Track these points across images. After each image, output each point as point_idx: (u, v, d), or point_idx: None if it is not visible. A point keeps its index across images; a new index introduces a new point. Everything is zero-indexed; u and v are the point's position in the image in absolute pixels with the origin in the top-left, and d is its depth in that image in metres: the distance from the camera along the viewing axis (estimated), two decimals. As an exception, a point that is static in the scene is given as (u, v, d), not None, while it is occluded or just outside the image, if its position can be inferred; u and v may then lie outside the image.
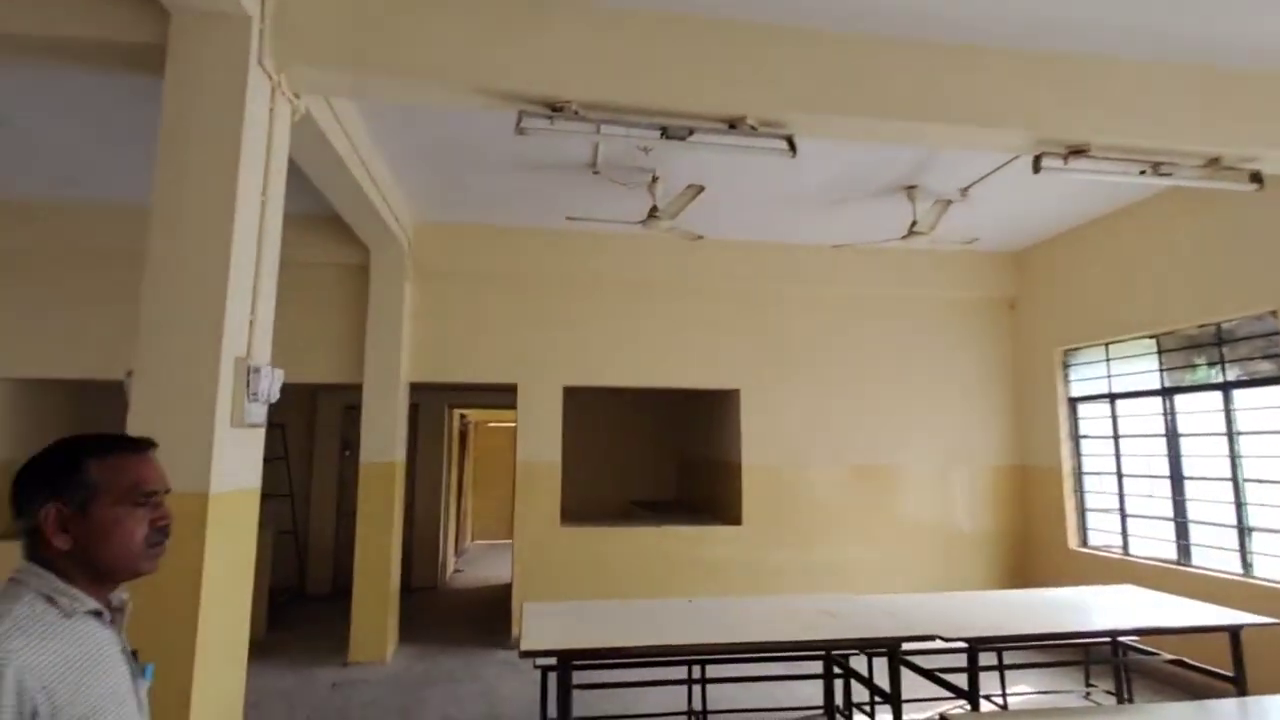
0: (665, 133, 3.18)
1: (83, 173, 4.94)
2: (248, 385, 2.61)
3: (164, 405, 2.52)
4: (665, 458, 8.85)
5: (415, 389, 6.29)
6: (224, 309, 2.58)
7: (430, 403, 8.57)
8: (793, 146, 3.27)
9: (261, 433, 2.88)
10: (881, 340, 6.74)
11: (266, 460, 7.26)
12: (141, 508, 1.17)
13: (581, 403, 7.96)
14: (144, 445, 1.24)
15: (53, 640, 1.07)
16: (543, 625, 3.44)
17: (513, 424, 12.31)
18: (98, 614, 1.15)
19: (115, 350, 5.36)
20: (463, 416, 11.00)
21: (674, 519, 6.70)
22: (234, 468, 2.65)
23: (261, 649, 5.72)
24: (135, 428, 2.51)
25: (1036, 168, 3.47)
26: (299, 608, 7.26)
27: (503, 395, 8.72)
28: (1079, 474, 6.33)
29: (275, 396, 2.80)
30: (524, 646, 3.03)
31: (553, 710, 3.98)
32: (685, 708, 4.38)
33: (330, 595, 7.71)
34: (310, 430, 8.28)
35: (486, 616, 6.94)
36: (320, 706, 4.59)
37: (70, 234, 5.50)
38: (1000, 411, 6.84)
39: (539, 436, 6.13)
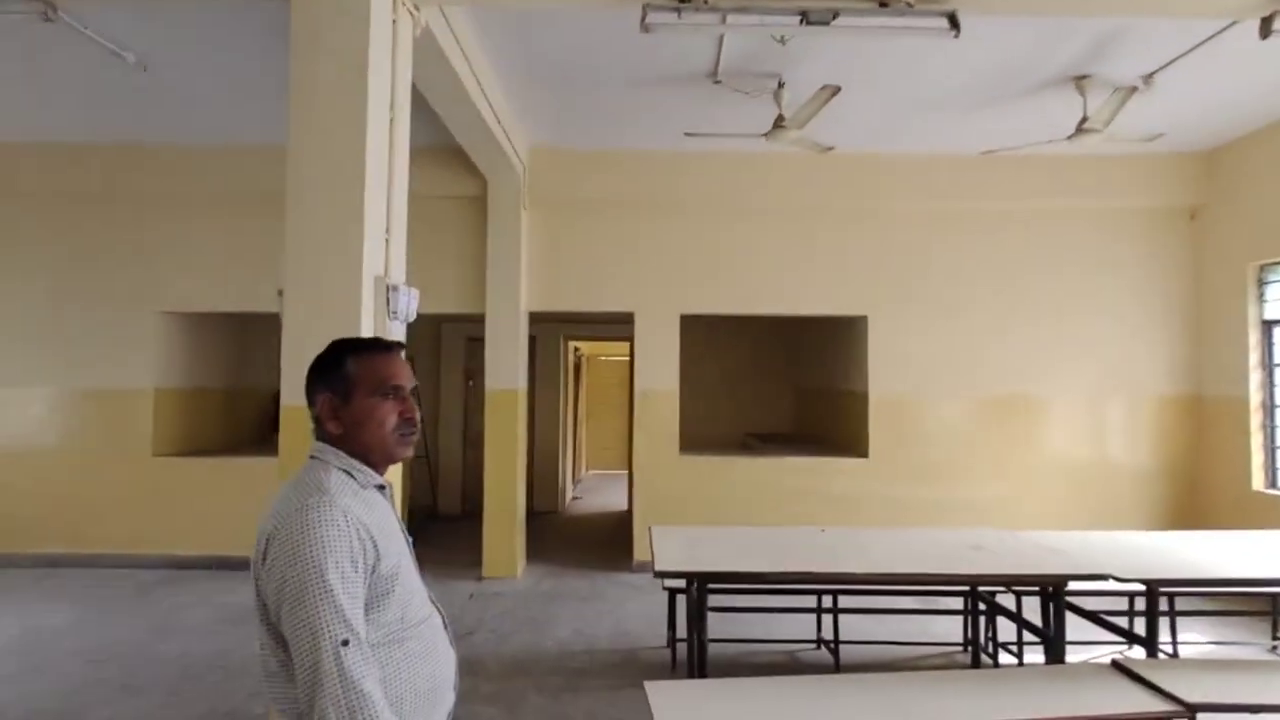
0: (805, 18, 2.85)
1: (228, 118, 5.17)
2: (388, 303, 2.63)
3: (311, 325, 2.58)
4: (782, 388, 8.59)
5: (532, 321, 6.36)
6: (362, 227, 2.58)
7: (547, 335, 8.70)
8: (955, 24, 2.84)
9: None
10: (1029, 259, 6.08)
11: (399, 388, 7.71)
12: (389, 400, 1.29)
13: (695, 332, 7.81)
14: (394, 346, 1.38)
15: (364, 505, 1.23)
16: (673, 548, 3.40)
17: (624, 357, 12.40)
18: (380, 488, 1.32)
19: (266, 285, 5.71)
20: (576, 350, 11.16)
21: (793, 450, 6.51)
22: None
23: (404, 561, 6.15)
24: (288, 347, 2.60)
25: (1265, 32, 2.85)
26: (433, 526, 7.75)
27: (617, 326, 8.71)
28: (1270, 406, 5.55)
29: (413, 315, 2.82)
30: (659, 567, 3.00)
31: (681, 631, 4.02)
32: (814, 636, 4.29)
33: (460, 516, 8.19)
34: (436, 361, 8.66)
35: (606, 542, 7.12)
36: (460, 614, 4.87)
37: (224, 177, 5.81)
38: (1171, 336, 6.06)
39: (656, 365, 6.05)
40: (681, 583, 3.46)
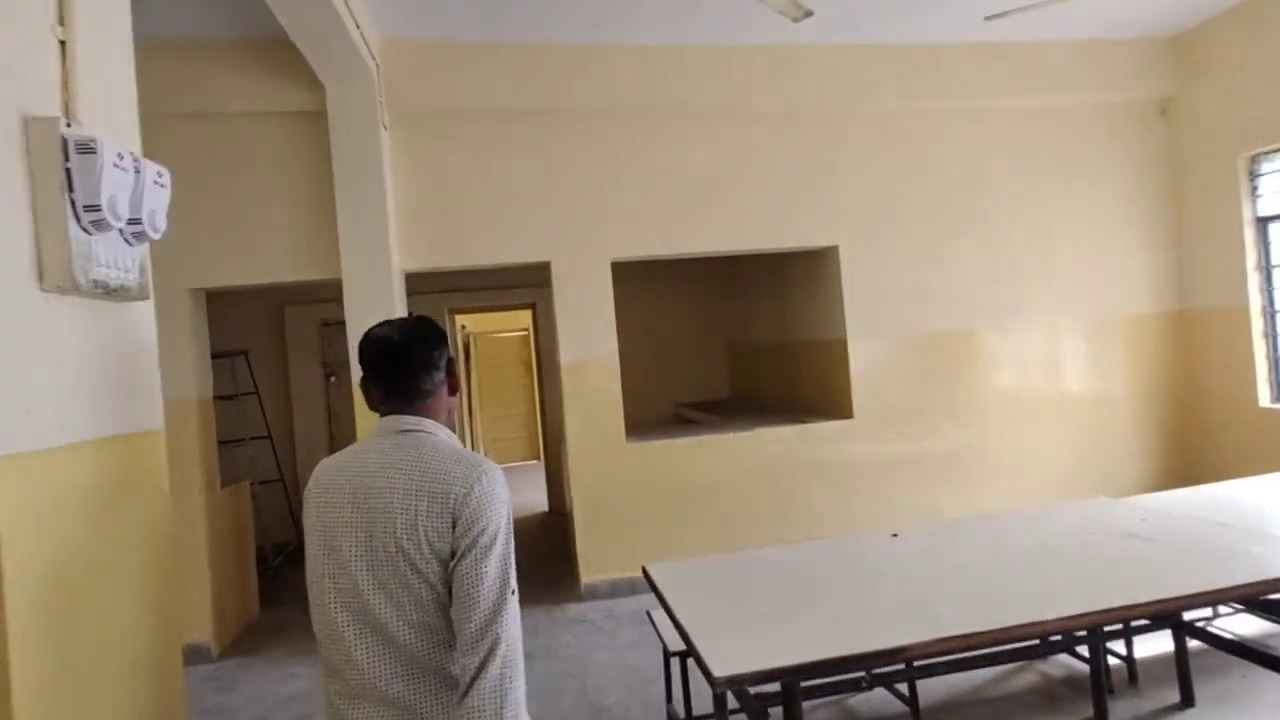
0: None
1: None
2: (69, 183, 1.05)
3: None
4: (711, 348, 7.39)
5: (410, 287, 4.71)
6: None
7: (426, 309, 6.96)
8: None
9: (144, 309, 1.34)
10: (999, 168, 5.17)
11: (232, 398, 5.62)
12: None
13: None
14: None
15: None
16: (702, 613, 2.05)
17: (521, 331, 10.77)
18: None
19: None
20: (464, 327, 9.44)
21: (747, 421, 5.33)
22: (62, 395, 1.12)
23: (254, 636, 4.40)
24: None
25: None
26: (298, 567, 5.92)
27: (513, 291, 7.14)
28: (1271, 313, 5.00)
29: (161, 224, 1.24)
30: (718, 672, 1.64)
31: (696, 705, 2.72)
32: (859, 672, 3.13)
33: (338, 548, 6.39)
34: (282, 355, 6.71)
35: (536, 557, 5.65)
36: None
37: None
38: (1149, 245, 5.39)
39: (586, 328, 4.62)
40: (672, 630, 2.11)
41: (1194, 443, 5.34)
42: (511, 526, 1.23)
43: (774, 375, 6.35)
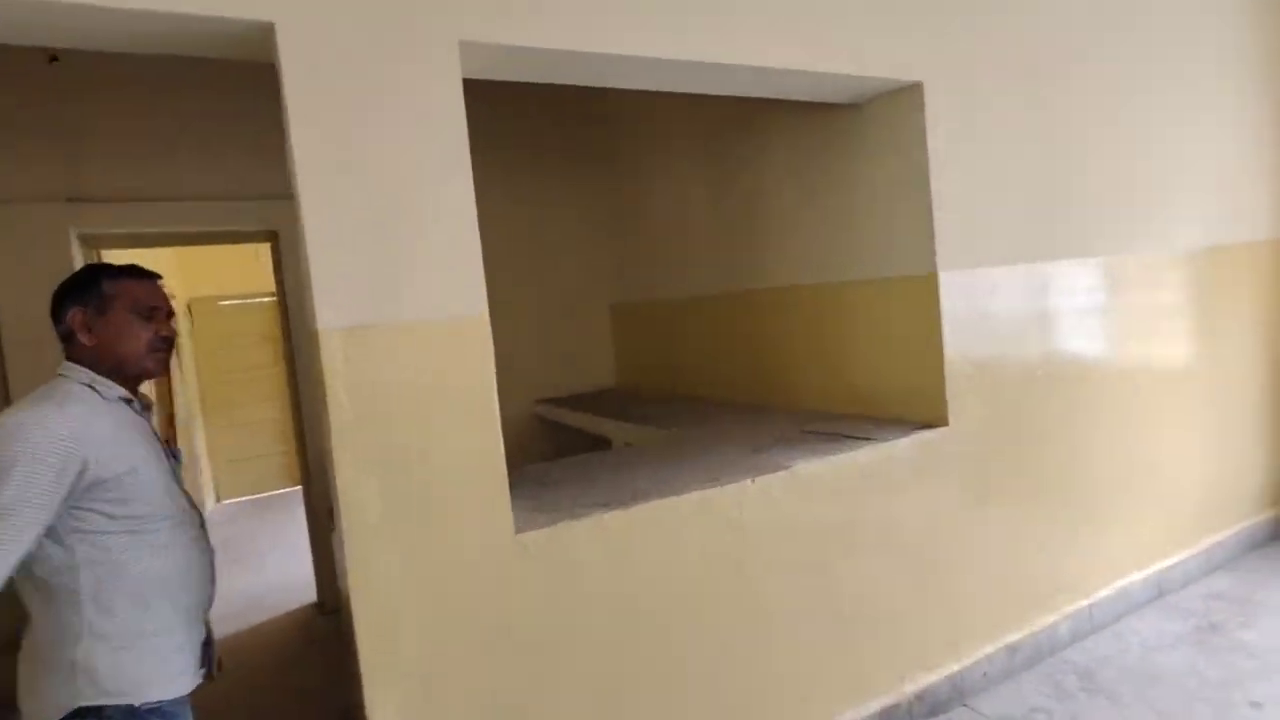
0: None
1: None
2: None
3: None
4: (589, 301, 4.68)
5: None
6: None
7: (35, 230, 3.36)
8: None
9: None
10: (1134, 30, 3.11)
11: None
12: (146, 320, 1.51)
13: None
14: (151, 275, 1.57)
15: (98, 414, 1.42)
16: None
17: (268, 297, 6.78)
18: (128, 400, 1.50)
19: None
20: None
21: (672, 429, 2.80)
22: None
23: None
24: None
25: None
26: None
27: (218, 209, 3.78)
28: None
29: None
30: None
31: None
32: None
33: None
34: None
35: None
36: None
37: None
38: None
39: (394, 225, 1.68)
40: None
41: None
42: (17, 460, 1.29)
43: (710, 349, 3.82)
